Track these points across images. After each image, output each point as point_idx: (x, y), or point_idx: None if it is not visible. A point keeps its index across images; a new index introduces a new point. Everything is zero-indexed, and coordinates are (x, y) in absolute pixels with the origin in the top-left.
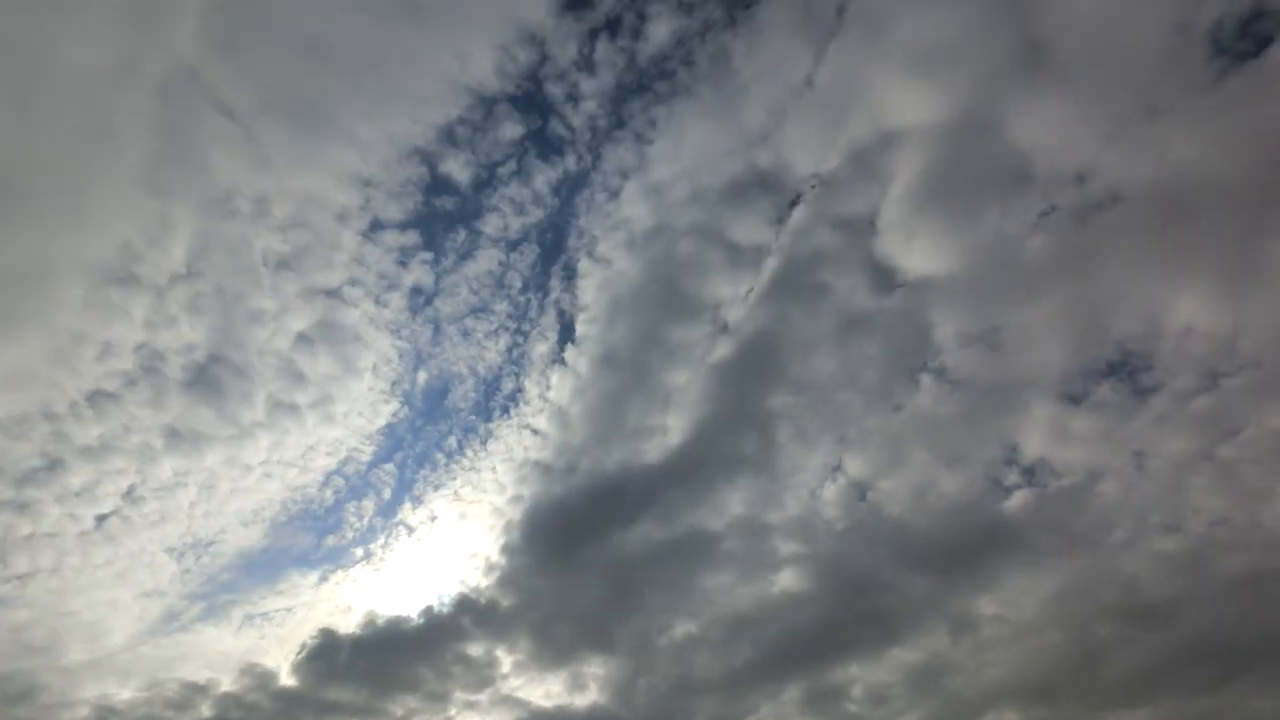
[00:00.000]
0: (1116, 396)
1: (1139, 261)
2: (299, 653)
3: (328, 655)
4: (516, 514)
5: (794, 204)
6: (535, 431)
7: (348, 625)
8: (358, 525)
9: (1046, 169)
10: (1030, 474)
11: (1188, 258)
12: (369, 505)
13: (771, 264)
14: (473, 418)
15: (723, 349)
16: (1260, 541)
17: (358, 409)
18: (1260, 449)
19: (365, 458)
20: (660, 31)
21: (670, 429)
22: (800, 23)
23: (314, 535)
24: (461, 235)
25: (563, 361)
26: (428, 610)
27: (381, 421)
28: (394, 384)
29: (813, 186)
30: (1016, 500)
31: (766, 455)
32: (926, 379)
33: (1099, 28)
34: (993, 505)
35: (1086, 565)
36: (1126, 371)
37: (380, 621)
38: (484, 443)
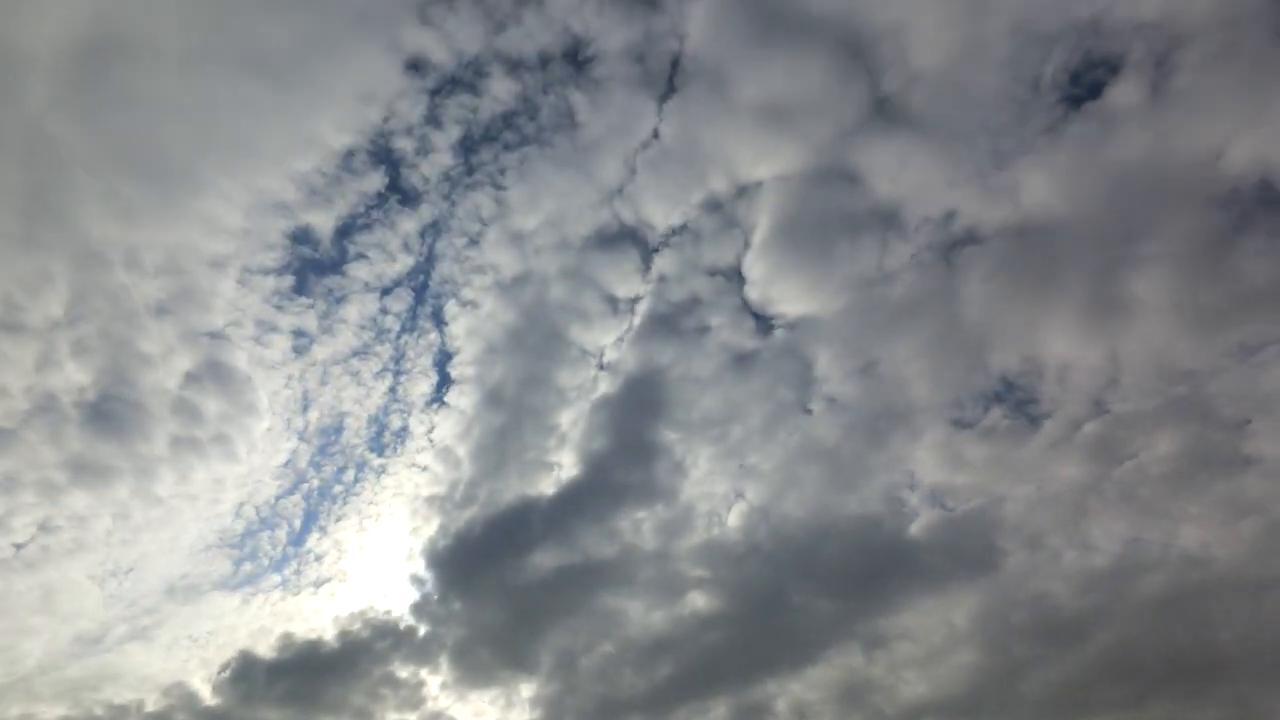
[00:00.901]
0: (1008, 423)
1: (1006, 298)
2: (221, 673)
3: (250, 676)
4: (419, 545)
5: (655, 251)
6: (424, 469)
7: (268, 647)
8: (272, 553)
9: (911, 213)
10: (931, 498)
11: (1050, 293)
12: (281, 534)
13: (644, 308)
14: (368, 454)
15: (605, 386)
16: (1173, 560)
17: (259, 446)
18: (1157, 472)
19: (271, 491)
20: (501, 88)
21: (563, 464)
22: (638, 81)
23: (232, 562)
24: (334, 281)
25: (443, 402)
26: (344, 633)
27: (283, 458)
28: (289, 422)
29: (674, 235)
30: (921, 523)
31: (667, 484)
32: (818, 407)
33: (946, 81)
34: (897, 528)
35: (997, 585)
36: (1014, 400)
37: (299, 643)
38: (378, 478)
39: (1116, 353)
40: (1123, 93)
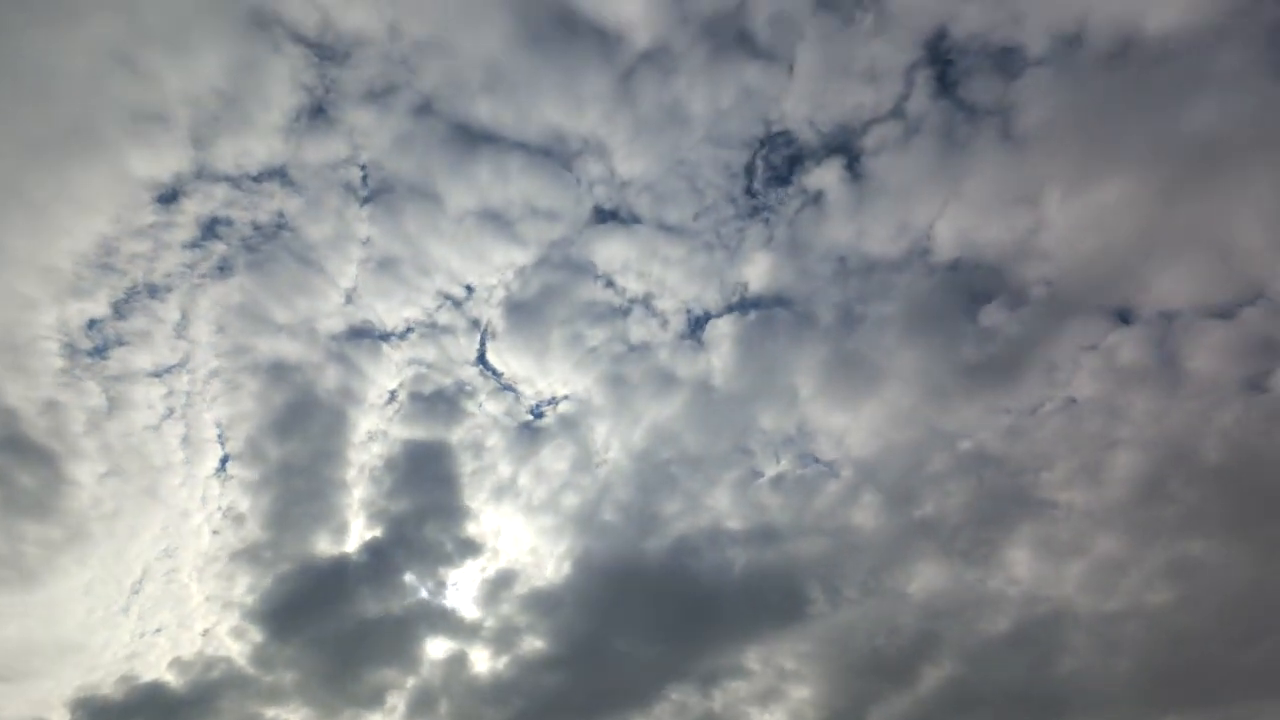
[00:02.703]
0: (800, 473)
1: (758, 367)
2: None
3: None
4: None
5: (386, 339)
6: (215, 532)
7: (110, 689)
8: None
9: (654, 298)
10: (740, 542)
11: (799, 362)
12: None
13: (405, 393)
14: None
15: (386, 457)
16: (1006, 600)
17: None
18: (961, 519)
19: None
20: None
21: (360, 524)
22: (343, 192)
23: None
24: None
25: (226, 473)
26: (189, 680)
27: None
28: None
29: (408, 333)
30: (736, 566)
31: (477, 538)
32: (605, 468)
33: (658, 185)
34: (714, 571)
35: (825, 625)
36: (797, 454)
37: (143, 685)
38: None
39: (876, 413)
40: (820, 181)
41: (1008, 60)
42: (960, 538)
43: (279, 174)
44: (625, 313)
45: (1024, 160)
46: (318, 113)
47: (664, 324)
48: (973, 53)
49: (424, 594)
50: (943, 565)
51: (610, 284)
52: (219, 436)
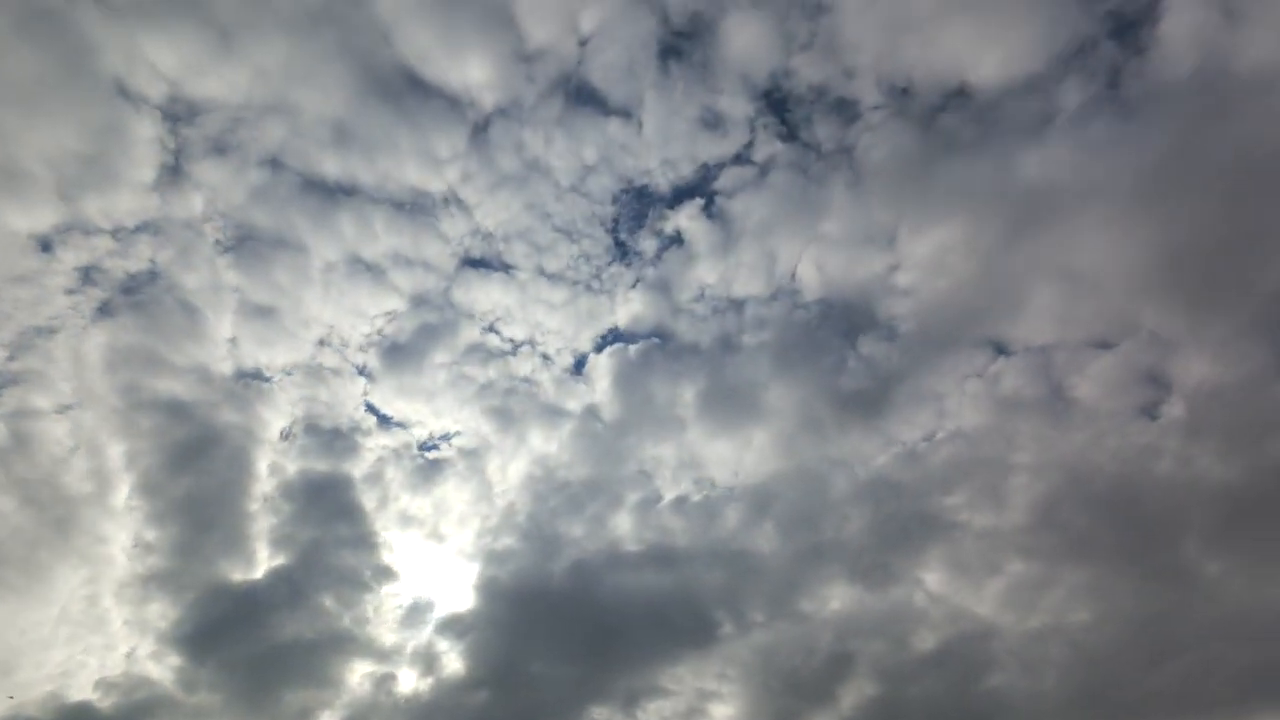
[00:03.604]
0: (697, 499)
1: (633, 403)
2: None
3: None
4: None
5: (271, 380)
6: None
7: (37, 709)
8: None
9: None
10: (643, 562)
11: (675, 397)
12: None
13: (300, 428)
14: None
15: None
16: (929, 617)
17: None
18: (871, 540)
19: None
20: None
21: (261, 555)
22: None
23: None
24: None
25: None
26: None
27: None
28: None
29: (292, 374)
30: (643, 586)
31: (390, 567)
32: (501, 498)
33: (531, 228)
34: (623, 592)
35: (741, 645)
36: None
37: (69, 705)
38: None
39: (764, 440)
40: (679, 224)
41: (845, 109)
42: (866, 560)
43: (150, 227)
44: (508, 353)
45: (873, 202)
46: (177, 170)
47: (547, 362)
48: (811, 102)
49: (343, 619)
50: (852, 587)
51: (491, 328)
52: (126, 468)
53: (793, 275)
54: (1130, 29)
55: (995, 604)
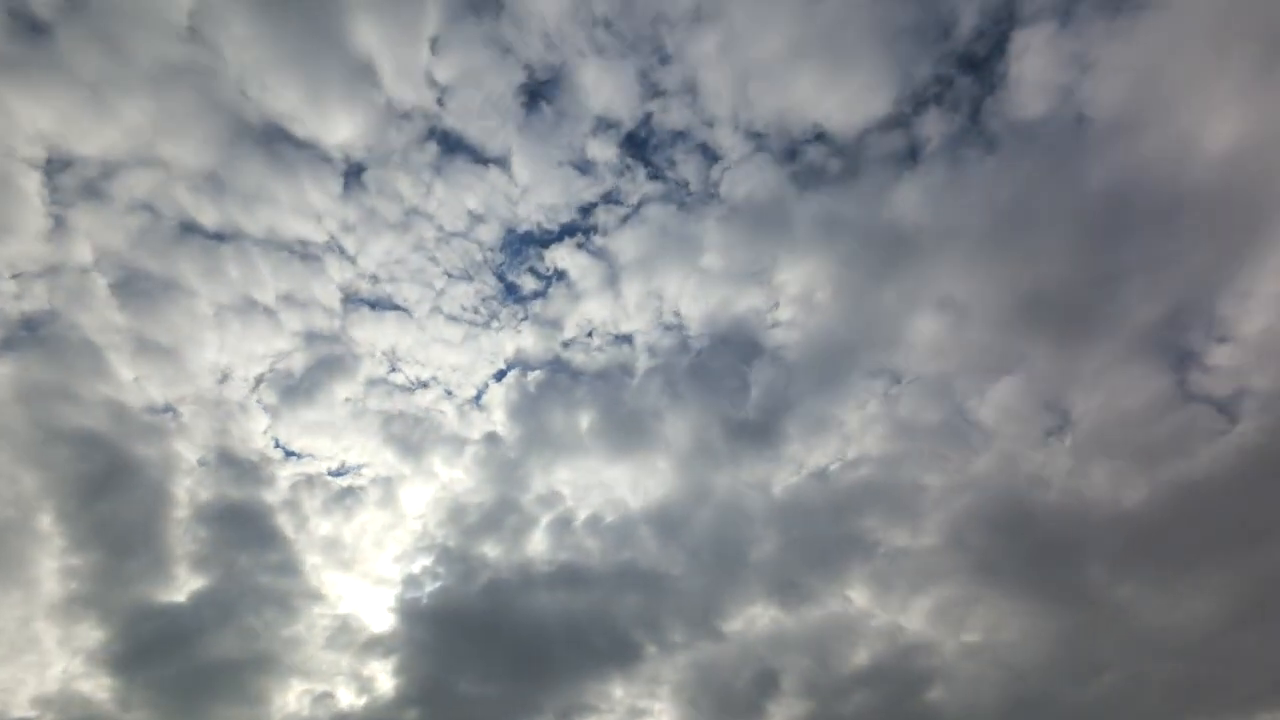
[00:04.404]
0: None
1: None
2: None
3: None
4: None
5: (177, 414)
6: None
7: None
8: None
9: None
10: (565, 584)
11: (575, 424)
12: None
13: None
14: None
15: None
16: (862, 634)
17: None
18: (792, 557)
19: None
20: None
21: (183, 578)
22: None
23: None
24: None
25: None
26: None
27: None
28: None
29: (197, 410)
30: (565, 603)
31: (310, 587)
32: (418, 521)
33: (417, 270)
34: (544, 609)
35: (667, 662)
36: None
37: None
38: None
39: (663, 465)
40: (560, 261)
41: (708, 151)
42: (786, 580)
43: (47, 273)
44: (410, 388)
45: (745, 240)
46: (63, 220)
47: (448, 395)
48: (674, 145)
49: (271, 640)
50: (774, 606)
51: (391, 364)
52: (45, 496)
53: (676, 310)
54: (984, 66)
55: (926, 620)
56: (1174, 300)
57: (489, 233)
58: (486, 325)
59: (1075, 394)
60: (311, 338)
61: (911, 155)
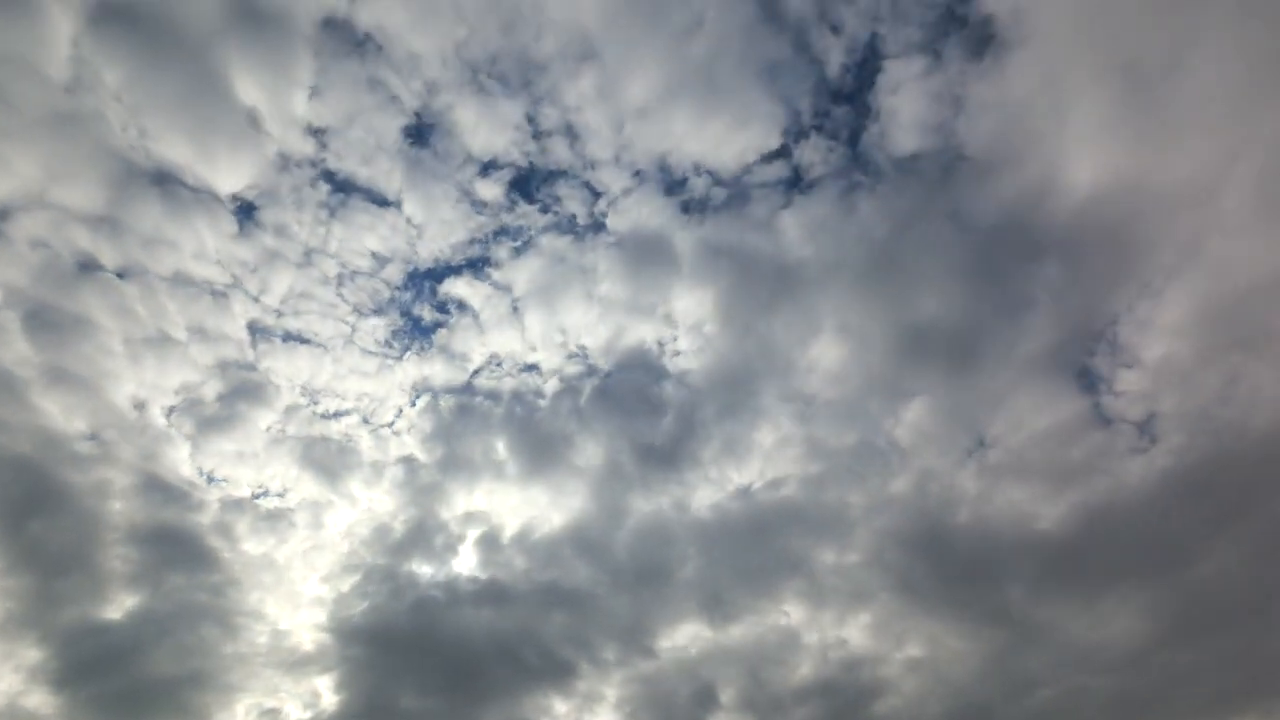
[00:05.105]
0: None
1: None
2: None
3: None
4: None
5: (101, 441)
6: None
7: None
8: None
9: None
10: (491, 602)
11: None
12: None
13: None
14: None
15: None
16: (817, 649)
17: None
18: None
19: None
20: None
21: (119, 597)
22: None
23: None
24: None
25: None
26: None
27: None
28: None
29: (116, 440)
30: (495, 621)
31: (247, 605)
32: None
33: (323, 304)
34: (475, 627)
35: (614, 681)
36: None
37: None
38: None
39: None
40: (458, 293)
41: (594, 188)
42: (717, 597)
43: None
44: (327, 416)
45: (637, 273)
46: None
47: (365, 422)
48: (561, 181)
49: (210, 657)
50: (708, 623)
51: (307, 395)
52: None
53: (579, 338)
54: (858, 99)
55: (867, 635)
56: (1076, 328)
57: (391, 269)
58: (399, 357)
59: (988, 417)
60: (224, 369)
61: (794, 186)
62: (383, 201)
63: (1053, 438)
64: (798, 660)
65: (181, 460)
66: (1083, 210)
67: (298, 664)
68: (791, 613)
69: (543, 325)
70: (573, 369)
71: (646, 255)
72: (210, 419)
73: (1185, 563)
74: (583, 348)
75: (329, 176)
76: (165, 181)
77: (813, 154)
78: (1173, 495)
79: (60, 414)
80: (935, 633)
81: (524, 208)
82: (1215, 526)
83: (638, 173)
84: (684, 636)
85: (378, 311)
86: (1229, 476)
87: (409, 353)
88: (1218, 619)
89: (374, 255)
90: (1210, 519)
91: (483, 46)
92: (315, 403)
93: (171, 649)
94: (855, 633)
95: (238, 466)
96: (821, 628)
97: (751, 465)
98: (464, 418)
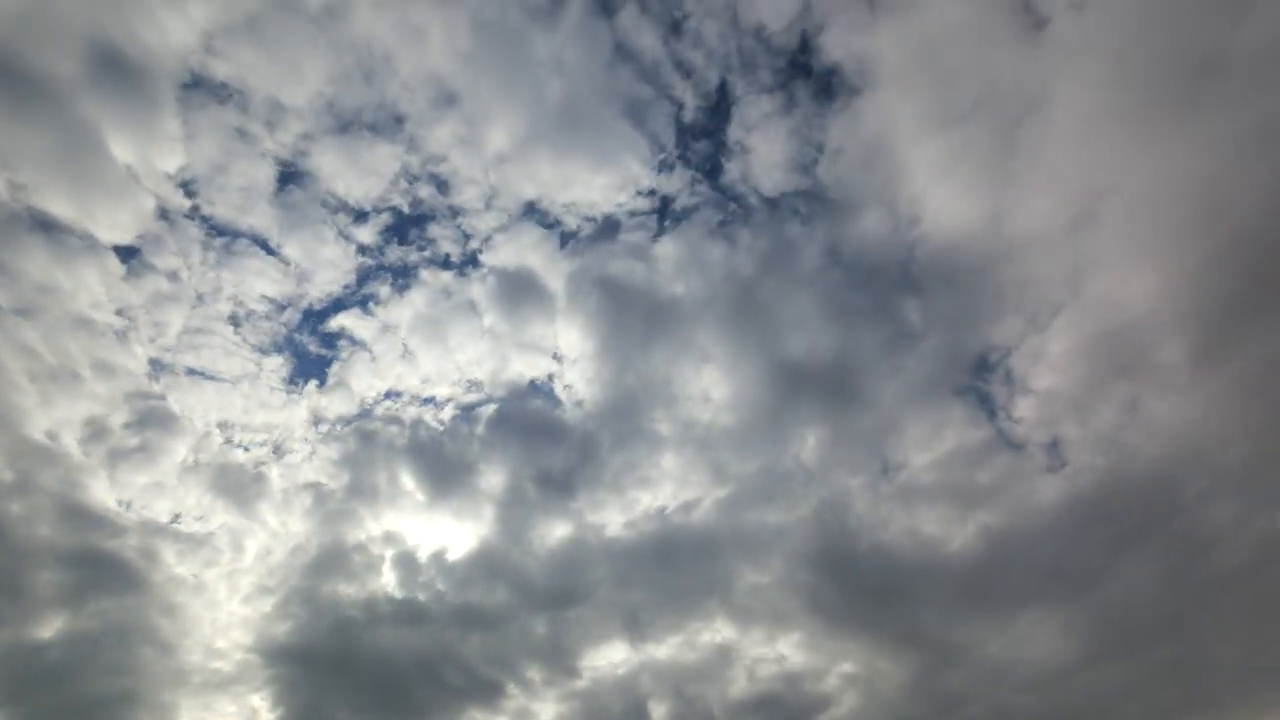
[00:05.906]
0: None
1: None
2: None
3: None
4: None
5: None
6: None
7: None
8: None
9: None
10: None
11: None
12: None
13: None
14: None
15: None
16: (754, 665)
17: None
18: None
19: None
20: None
21: (50, 619)
22: None
23: None
24: None
25: None
26: None
27: None
28: None
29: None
30: (419, 640)
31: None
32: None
33: (226, 340)
34: (399, 646)
35: (555, 696)
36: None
37: None
38: None
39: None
40: (346, 328)
41: (466, 229)
42: (639, 617)
43: None
44: (235, 445)
45: (515, 311)
46: None
47: (274, 451)
48: (430, 222)
49: (143, 676)
50: (633, 642)
51: (211, 425)
52: None
53: (471, 369)
54: (715, 138)
55: (801, 651)
56: (961, 358)
57: (284, 309)
58: (300, 391)
59: (890, 442)
60: (129, 399)
61: (664, 217)
62: (265, 246)
63: (954, 463)
64: (733, 676)
65: (100, 487)
66: (952, 246)
67: (228, 682)
68: (722, 630)
69: (435, 360)
70: (469, 398)
71: (523, 291)
72: (122, 449)
73: (1095, 584)
74: (476, 380)
75: (206, 223)
76: (49, 229)
77: (679, 183)
78: (1078, 518)
79: None
80: (864, 651)
81: (400, 248)
82: (1121, 547)
83: (508, 212)
84: (613, 655)
85: (277, 349)
86: (1129, 499)
87: (308, 386)
88: (1140, 636)
89: (264, 297)
90: (1115, 540)
91: (351, 98)
92: (226, 434)
93: (105, 668)
94: (788, 649)
95: (155, 494)
96: (754, 644)
97: (662, 488)
98: (367, 446)
